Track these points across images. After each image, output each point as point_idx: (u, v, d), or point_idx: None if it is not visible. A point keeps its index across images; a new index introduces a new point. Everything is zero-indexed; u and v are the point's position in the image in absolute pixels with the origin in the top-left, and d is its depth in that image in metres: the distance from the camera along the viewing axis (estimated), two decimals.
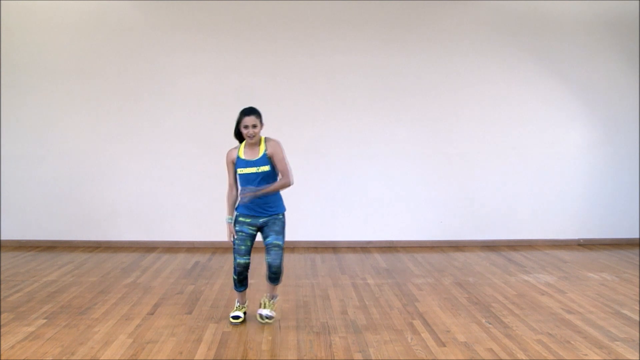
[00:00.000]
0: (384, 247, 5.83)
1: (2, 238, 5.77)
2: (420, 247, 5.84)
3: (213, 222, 5.78)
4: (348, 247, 5.80)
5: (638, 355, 2.96)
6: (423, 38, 5.76)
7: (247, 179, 3.28)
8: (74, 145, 5.70)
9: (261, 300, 3.49)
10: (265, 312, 3.41)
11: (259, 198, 3.26)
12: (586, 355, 2.96)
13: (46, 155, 5.71)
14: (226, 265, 5.00)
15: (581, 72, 5.92)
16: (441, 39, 5.77)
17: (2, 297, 3.93)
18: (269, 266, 3.33)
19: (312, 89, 5.69)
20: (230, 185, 3.41)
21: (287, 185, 3.34)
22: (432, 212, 5.90)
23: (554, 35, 5.86)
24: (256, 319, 3.47)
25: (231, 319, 3.42)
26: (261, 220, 3.33)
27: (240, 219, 3.34)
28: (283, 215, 3.40)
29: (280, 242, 3.32)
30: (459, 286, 4.32)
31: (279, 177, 3.35)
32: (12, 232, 5.77)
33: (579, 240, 6.07)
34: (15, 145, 5.70)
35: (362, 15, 5.69)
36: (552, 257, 5.39)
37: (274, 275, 3.37)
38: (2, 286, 4.22)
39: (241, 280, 3.42)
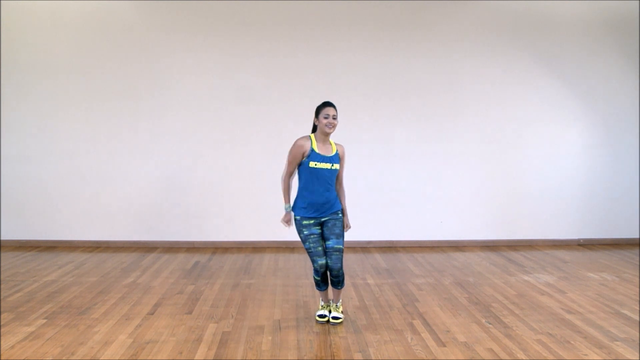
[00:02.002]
0: (384, 247, 5.83)
1: (2, 238, 5.77)
2: (420, 247, 5.84)
3: (213, 222, 5.80)
4: (348, 247, 5.80)
5: (638, 355, 2.96)
6: (423, 38, 5.76)
7: (318, 174, 3.24)
8: (74, 145, 5.70)
9: (330, 307, 3.51)
10: (334, 313, 3.46)
11: (321, 197, 3.27)
12: (586, 355, 2.96)
13: (46, 155, 5.71)
14: (226, 265, 5.01)
15: (581, 72, 5.92)
16: (441, 39, 5.77)
17: (2, 297, 3.93)
18: (330, 270, 3.33)
19: (312, 89, 5.69)
20: (290, 174, 3.34)
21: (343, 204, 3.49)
22: (432, 212, 5.90)
23: (554, 36, 5.87)
24: (258, 320, 3.47)
25: (317, 318, 3.45)
26: (323, 219, 3.34)
27: (305, 222, 3.31)
28: (341, 213, 3.41)
29: (341, 246, 3.34)
30: (459, 286, 4.32)
31: (337, 183, 3.46)
32: (12, 232, 5.77)
33: (579, 240, 6.07)
34: (15, 145, 5.70)
35: (362, 16, 5.69)
36: (552, 257, 5.39)
37: (336, 279, 3.38)
38: (2, 286, 4.22)
39: (324, 280, 3.42)
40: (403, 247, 5.81)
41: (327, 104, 3.28)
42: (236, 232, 5.80)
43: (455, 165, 5.88)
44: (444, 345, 3.08)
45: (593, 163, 6.02)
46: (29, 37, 5.62)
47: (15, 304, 3.78)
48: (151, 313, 3.61)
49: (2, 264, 4.95)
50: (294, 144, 3.27)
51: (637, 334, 3.28)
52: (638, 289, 4.27)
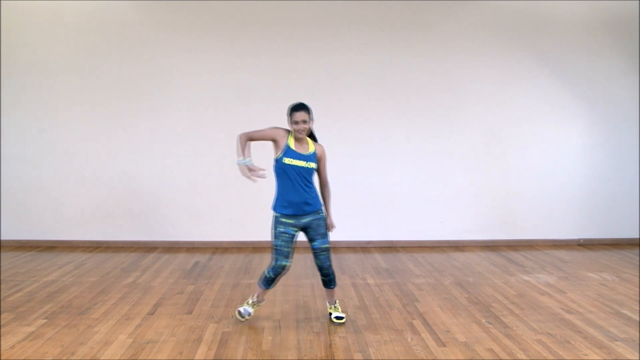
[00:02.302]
0: (384, 247, 5.83)
1: (2, 238, 5.77)
2: (420, 247, 5.84)
3: (213, 222, 5.80)
4: (348, 247, 5.80)
5: (638, 355, 2.96)
6: (423, 38, 5.76)
7: (294, 172, 3.20)
8: (74, 145, 5.70)
9: (328, 310, 3.53)
10: (335, 314, 3.46)
11: (300, 196, 3.22)
12: (586, 355, 2.96)
13: (46, 155, 5.71)
14: (226, 265, 5.01)
15: (581, 72, 5.92)
16: (441, 39, 5.77)
17: (2, 297, 3.93)
18: (319, 269, 3.34)
19: (312, 89, 5.69)
20: (249, 135, 3.22)
21: (327, 206, 3.46)
22: (432, 212, 5.90)
23: (554, 35, 5.86)
24: (258, 320, 3.47)
25: (240, 314, 3.38)
26: (303, 220, 3.28)
27: (283, 219, 3.27)
28: (322, 211, 3.38)
29: (327, 245, 3.34)
30: (459, 286, 4.32)
31: (321, 184, 3.43)
32: (12, 232, 5.77)
33: (579, 240, 6.07)
34: (15, 145, 5.70)
35: (362, 15, 5.68)
36: (552, 257, 5.39)
37: (327, 278, 3.38)
38: (2, 286, 4.22)
39: (275, 281, 3.38)
40: (403, 247, 5.81)
41: (296, 109, 3.21)
42: (236, 232, 5.80)
43: (455, 165, 5.88)
44: (444, 345, 3.08)
45: (593, 163, 6.02)
46: (29, 37, 5.62)
47: (15, 304, 3.78)
48: (151, 313, 3.61)
49: (2, 264, 4.95)
50: (275, 126, 3.30)
51: (637, 334, 3.28)
52: (638, 289, 4.27)
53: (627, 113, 5.99)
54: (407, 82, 5.78)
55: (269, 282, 3.37)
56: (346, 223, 5.85)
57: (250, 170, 3.16)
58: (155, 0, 5.60)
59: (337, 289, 4.20)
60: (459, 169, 5.88)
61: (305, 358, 2.91)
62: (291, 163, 3.20)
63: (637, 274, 4.75)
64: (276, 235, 3.29)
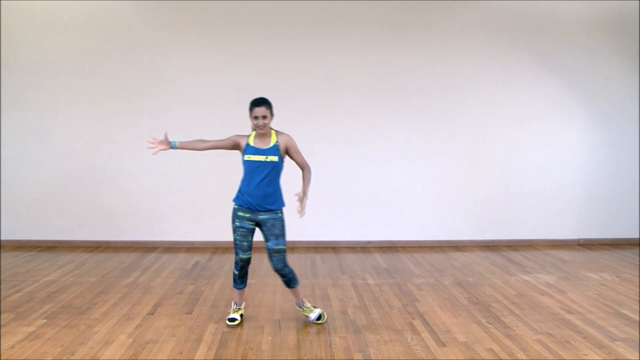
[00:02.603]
0: (384, 247, 5.83)
1: (2, 238, 5.76)
2: (420, 247, 5.83)
3: (213, 222, 5.79)
4: (348, 247, 5.80)
5: (638, 355, 2.96)
6: (423, 38, 5.76)
7: (253, 167, 3.24)
8: (74, 145, 5.69)
9: (302, 314, 3.47)
10: (311, 316, 3.41)
11: (259, 190, 3.24)
12: (586, 355, 2.96)
13: (46, 155, 5.71)
14: (226, 265, 5.00)
15: (581, 72, 5.92)
16: (441, 39, 5.77)
17: (2, 297, 3.93)
18: (275, 271, 3.32)
19: (312, 88, 5.69)
20: (209, 143, 3.41)
21: (310, 176, 3.38)
22: (432, 212, 5.90)
23: (554, 36, 5.86)
24: (258, 320, 3.47)
25: (227, 322, 3.39)
26: (260, 216, 3.30)
27: (240, 213, 3.32)
28: (282, 212, 3.37)
29: (282, 246, 3.29)
30: (459, 286, 4.32)
31: (301, 167, 3.40)
32: (12, 232, 5.77)
33: (579, 240, 6.07)
34: (15, 145, 5.70)
35: (362, 15, 5.68)
36: (552, 257, 5.39)
37: (285, 279, 3.36)
38: (2, 286, 4.22)
39: (242, 276, 3.41)
40: (403, 247, 5.81)
41: (255, 104, 3.23)
42: None
43: (455, 165, 5.87)
44: (444, 345, 3.08)
45: (593, 163, 6.02)
46: (29, 37, 5.62)
47: (15, 304, 3.78)
48: (151, 313, 3.61)
49: (2, 264, 4.95)
50: (235, 134, 3.37)
51: (637, 334, 3.28)
52: (638, 289, 4.27)
53: (627, 113, 5.99)
54: (407, 82, 5.77)
55: (236, 279, 3.42)
56: (346, 223, 5.86)
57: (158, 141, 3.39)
58: (155, 0, 5.60)
59: (337, 289, 4.21)
60: (459, 169, 5.88)
61: (305, 358, 2.91)
62: (250, 159, 3.26)
63: (637, 274, 4.75)
64: (234, 229, 3.35)
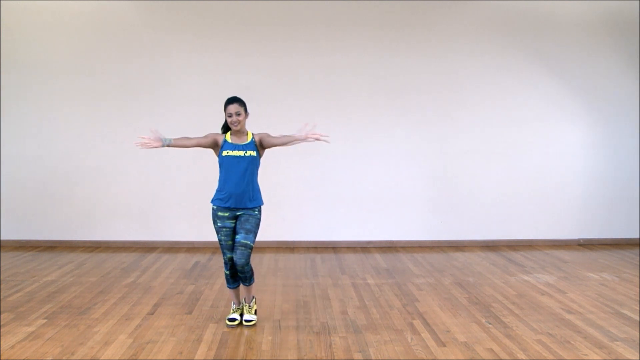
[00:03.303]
0: (384, 247, 5.83)
1: (2, 238, 5.76)
2: (420, 247, 5.83)
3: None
4: (348, 247, 5.80)
5: (638, 355, 2.96)
6: (423, 38, 5.76)
7: (232, 163, 3.26)
8: (74, 145, 5.70)
9: (244, 308, 3.47)
10: (246, 316, 3.41)
11: (239, 187, 3.24)
12: (586, 355, 2.96)
13: (46, 155, 5.71)
14: None
15: (581, 72, 5.92)
16: (441, 39, 5.77)
17: (2, 297, 3.93)
18: (235, 265, 3.29)
19: (312, 88, 5.69)
20: (193, 140, 3.45)
21: (301, 138, 3.17)
22: (432, 212, 5.90)
23: (553, 36, 5.86)
24: (258, 320, 3.47)
25: (227, 322, 3.39)
26: (238, 213, 3.32)
27: (220, 213, 3.32)
28: (259, 210, 3.37)
29: (249, 242, 3.27)
30: (459, 286, 4.32)
31: (283, 142, 3.28)
32: (12, 232, 5.76)
33: (579, 240, 6.07)
34: (15, 145, 5.70)
35: (362, 15, 5.69)
36: (552, 257, 5.39)
37: (242, 275, 3.34)
38: (2, 286, 4.22)
39: (233, 275, 3.40)
40: (403, 247, 5.81)
41: (229, 101, 3.28)
42: None
43: (456, 165, 5.87)
44: (444, 345, 3.08)
45: (593, 163, 6.02)
46: (29, 37, 5.62)
47: (15, 304, 3.78)
48: (151, 313, 3.61)
49: (2, 264, 4.95)
50: (211, 132, 3.41)
51: (637, 334, 3.28)
52: (638, 289, 4.27)
53: (627, 113, 5.99)
54: (407, 82, 5.77)
55: (228, 280, 3.42)
56: (346, 223, 5.86)
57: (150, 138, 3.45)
58: (156, 0, 5.60)
59: (337, 289, 4.21)
60: (459, 169, 5.88)
61: (305, 358, 2.90)
62: (228, 154, 3.28)
63: (637, 274, 4.75)
64: (217, 230, 3.35)
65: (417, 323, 3.45)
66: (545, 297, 4.01)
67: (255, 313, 3.49)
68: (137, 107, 5.68)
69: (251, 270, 3.38)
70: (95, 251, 5.55)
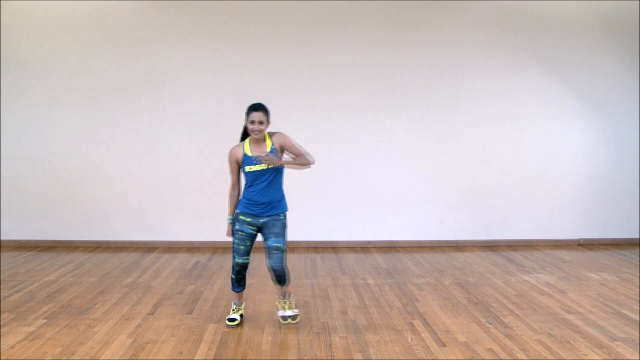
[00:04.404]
0: (384, 247, 5.83)
1: (2, 238, 5.76)
2: (420, 247, 5.84)
3: (213, 222, 5.78)
4: (348, 247, 5.80)
5: (638, 355, 2.96)
6: (423, 38, 5.76)
7: (255, 176, 3.22)
8: (74, 145, 5.70)
9: (276, 303, 3.43)
10: (287, 312, 3.36)
11: (264, 197, 3.23)
12: (586, 355, 2.96)
13: (46, 155, 5.71)
14: (226, 265, 5.01)
15: (581, 72, 5.92)
16: (441, 39, 5.77)
17: (2, 297, 3.93)
18: (272, 270, 3.27)
19: (312, 88, 5.69)
20: (232, 185, 3.37)
21: (308, 163, 3.26)
22: (432, 212, 5.90)
23: (554, 35, 5.86)
24: (258, 320, 3.47)
25: (227, 322, 3.39)
26: (261, 220, 3.28)
27: (241, 217, 3.30)
28: (284, 215, 3.35)
29: (280, 245, 3.26)
30: (459, 286, 4.32)
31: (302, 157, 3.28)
32: (12, 232, 5.77)
33: (579, 240, 6.07)
34: (15, 145, 5.70)
35: (362, 16, 5.69)
36: (552, 257, 5.39)
37: (279, 279, 3.33)
38: (2, 286, 4.22)
39: (239, 280, 3.40)
40: (403, 247, 5.81)
41: (252, 109, 3.20)
42: None
43: (455, 165, 5.87)
44: (444, 345, 3.08)
45: (593, 163, 6.02)
46: (29, 36, 5.62)
47: (15, 304, 3.78)
48: (151, 313, 3.61)
49: (2, 264, 4.95)
50: (228, 154, 3.31)
51: (637, 334, 3.28)
52: (638, 289, 4.27)
53: (627, 113, 5.99)
54: (407, 82, 5.77)
55: (234, 283, 3.42)
56: (346, 223, 5.86)
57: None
58: (156, 0, 5.60)
59: (337, 289, 4.21)
60: (459, 169, 5.88)
61: (305, 358, 2.91)
62: (251, 170, 3.22)
63: (637, 274, 4.75)
64: (233, 232, 3.33)
65: (417, 323, 3.45)
66: (545, 297, 4.02)
67: (295, 307, 3.48)
68: (137, 107, 5.68)
69: (288, 272, 3.36)
70: (95, 251, 5.55)
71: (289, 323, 3.37)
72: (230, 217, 3.38)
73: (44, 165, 5.71)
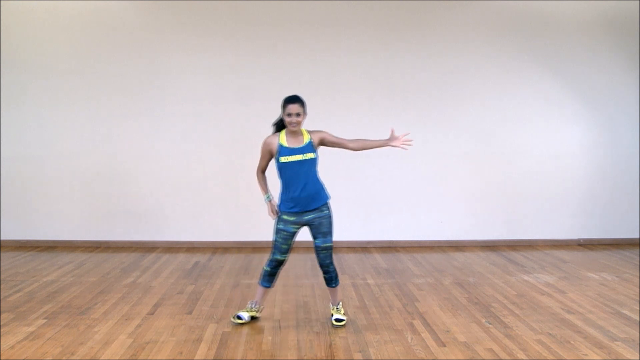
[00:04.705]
0: (384, 247, 5.83)
1: (2, 238, 5.76)
2: (420, 247, 5.83)
3: (213, 222, 5.80)
4: (348, 247, 5.80)
5: (638, 355, 2.96)
6: (423, 38, 5.76)
7: (292, 168, 3.20)
8: (74, 145, 5.69)
9: (331, 311, 3.47)
10: (336, 316, 3.39)
11: (302, 191, 3.21)
12: (586, 355, 2.96)
13: (46, 155, 5.71)
14: (226, 265, 5.01)
15: (581, 72, 5.92)
16: (441, 39, 5.77)
17: (2, 297, 3.93)
18: (320, 266, 3.32)
19: (312, 88, 5.67)
20: (261, 169, 3.36)
21: (375, 143, 3.50)
22: (432, 212, 5.90)
23: (554, 35, 5.86)
24: (258, 320, 3.48)
25: (233, 318, 3.38)
26: (306, 217, 3.27)
27: (284, 217, 3.28)
28: (328, 207, 3.34)
29: (329, 244, 3.30)
30: (459, 286, 4.32)
31: (351, 145, 3.54)
32: (12, 232, 5.76)
33: (579, 240, 6.07)
34: (15, 145, 5.70)
35: (362, 16, 5.68)
36: (552, 257, 5.39)
37: (327, 276, 3.35)
38: (2, 286, 4.22)
39: (272, 274, 3.38)
40: (403, 247, 5.81)
41: (289, 101, 3.19)
42: (236, 232, 5.80)
43: (456, 165, 5.87)
44: (444, 345, 3.08)
45: (593, 163, 6.01)
46: (29, 36, 5.62)
47: (15, 304, 3.78)
48: (151, 313, 3.61)
49: (2, 264, 4.95)
50: (262, 142, 3.29)
51: (637, 334, 3.28)
52: (638, 289, 4.27)
53: (628, 113, 5.99)
54: (407, 82, 5.77)
55: (265, 276, 3.39)
56: (346, 223, 5.86)
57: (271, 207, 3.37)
58: (156, 0, 5.60)
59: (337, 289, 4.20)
60: (459, 169, 5.88)
61: (305, 358, 2.91)
62: (287, 160, 3.20)
63: (637, 274, 4.75)
64: (276, 231, 3.33)
65: (417, 323, 3.45)
66: (545, 297, 4.02)
67: (345, 313, 3.49)
68: (137, 107, 5.68)
69: (336, 270, 3.38)
70: (95, 251, 5.55)
71: (335, 325, 3.37)
72: (266, 194, 3.38)
73: (44, 165, 5.71)
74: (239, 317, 3.39)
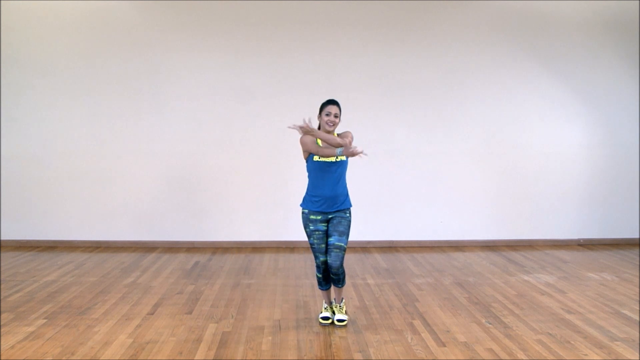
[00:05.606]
0: (384, 247, 5.83)
1: (2, 238, 5.76)
2: (420, 247, 5.83)
3: (213, 222, 5.80)
4: (348, 247, 5.77)
5: (638, 355, 2.96)
6: (423, 38, 5.76)
7: (324, 168, 3.29)
8: (74, 145, 5.70)
9: (332, 307, 3.49)
10: (338, 316, 3.40)
11: (331, 190, 3.29)
12: (586, 355, 2.96)
13: (46, 155, 5.71)
14: (226, 265, 5.01)
15: (582, 72, 5.92)
16: (441, 39, 5.77)
17: (2, 297, 3.93)
18: (329, 267, 3.31)
19: (312, 88, 5.69)
20: (312, 135, 3.27)
21: (341, 145, 3.22)
22: (432, 212, 5.90)
23: (554, 35, 5.86)
24: (258, 320, 3.48)
25: (320, 320, 3.42)
26: (329, 215, 3.34)
27: (312, 217, 3.33)
28: (350, 212, 3.41)
29: (343, 244, 3.31)
30: (459, 286, 4.32)
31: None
32: (12, 232, 5.77)
33: (579, 240, 6.07)
34: (15, 145, 5.70)
35: (362, 15, 5.69)
36: (552, 257, 5.39)
37: (335, 277, 3.36)
38: (2, 286, 4.22)
39: (326, 277, 3.41)
40: (403, 247, 5.81)
41: (329, 102, 3.37)
42: (236, 232, 5.80)
43: (456, 165, 5.87)
44: (444, 345, 3.08)
45: (593, 163, 6.02)
46: (29, 36, 5.62)
47: (15, 304, 3.78)
48: (151, 313, 3.61)
49: (2, 264, 4.95)
50: (300, 141, 3.31)
51: (637, 334, 3.28)
52: (638, 289, 4.27)
53: (627, 113, 5.99)
54: (407, 82, 5.78)
55: (320, 282, 3.44)
56: None
57: (350, 151, 3.23)
58: (156, 0, 5.60)
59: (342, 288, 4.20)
60: (459, 169, 5.88)
61: (305, 358, 2.91)
62: (320, 159, 3.29)
63: (637, 274, 4.75)
64: (309, 234, 3.36)
65: (417, 323, 3.45)
66: (545, 297, 4.02)
67: (346, 313, 3.50)
68: (137, 107, 5.68)
69: (344, 272, 3.40)
70: (95, 251, 5.55)
71: (337, 325, 3.38)
72: (339, 150, 3.28)
73: (44, 165, 5.71)
74: (326, 318, 3.42)
